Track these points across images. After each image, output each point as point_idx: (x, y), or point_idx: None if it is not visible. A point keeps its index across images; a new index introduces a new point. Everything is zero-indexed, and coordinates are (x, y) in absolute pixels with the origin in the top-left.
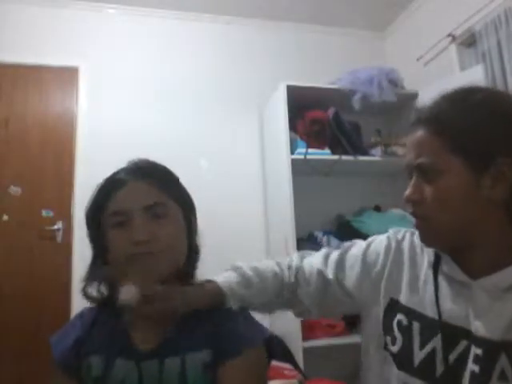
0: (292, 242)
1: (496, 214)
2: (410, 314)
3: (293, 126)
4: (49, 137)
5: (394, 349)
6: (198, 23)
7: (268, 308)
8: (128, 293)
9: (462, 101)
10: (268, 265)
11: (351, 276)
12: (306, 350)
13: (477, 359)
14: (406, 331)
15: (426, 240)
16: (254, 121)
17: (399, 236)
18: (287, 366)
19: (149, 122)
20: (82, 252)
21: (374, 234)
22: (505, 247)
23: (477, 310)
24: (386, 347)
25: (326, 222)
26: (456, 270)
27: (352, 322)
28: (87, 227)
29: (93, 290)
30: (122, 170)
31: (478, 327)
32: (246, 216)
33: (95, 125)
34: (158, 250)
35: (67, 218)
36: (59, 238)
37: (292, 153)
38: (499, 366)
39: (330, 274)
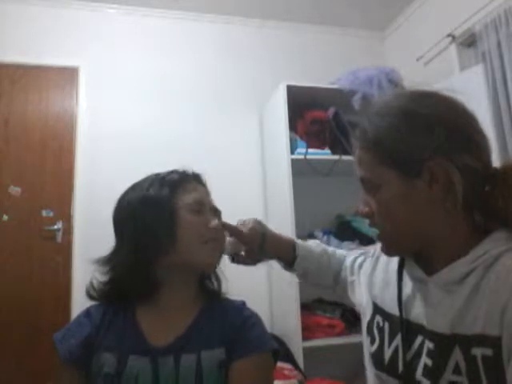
0: None
1: (441, 213)
2: (383, 314)
3: (293, 126)
4: (49, 137)
5: (372, 349)
6: (197, 23)
7: (322, 280)
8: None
9: (382, 114)
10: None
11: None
12: (305, 350)
13: (429, 353)
14: (381, 331)
15: (384, 250)
16: (254, 121)
17: None
18: (287, 365)
19: (148, 122)
20: (81, 252)
21: (373, 234)
22: (457, 242)
23: (429, 305)
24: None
25: (326, 222)
26: (415, 269)
27: (352, 322)
28: (138, 216)
29: (98, 286)
30: (176, 170)
31: (428, 321)
32: (245, 216)
33: (95, 125)
34: (223, 237)
35: (67, 218)
36: (59, 238)
37: (292, 153)
38: (453, 359)
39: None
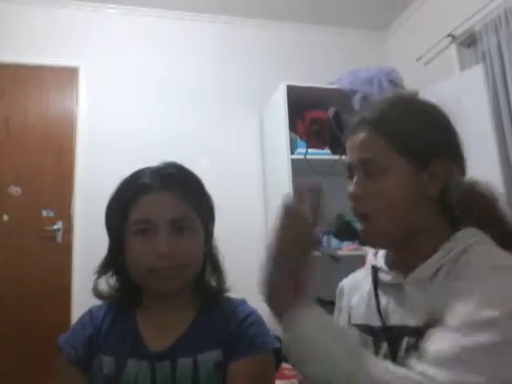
0: None
1: (430, 210)
2: (362, 329)
3: (293, 126)
4: (49, 137)
5: None
6: (197, 23)
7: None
8: None
9: (404, 106)
10: None
11: None
12: None
13: (411, 347)
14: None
15: (368, 239)
16: (254, 121)
17: (355, 273)
18: (287, 365)
19: (149, 122)
20: (82, 252)
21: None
22: (435, 241)
23: (407, 305)
24: None
25: (325, 222)
26: (390, 275)
27: None
28: (107, 226)
29: (103, 286)
30: (148, 172)
31: (410, 319)
32: (246, 216)
33: (95, 125)
34: (179, 264)
35: (67, 218)
36: (59, 238)
37: (292, 153)
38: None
39: None
